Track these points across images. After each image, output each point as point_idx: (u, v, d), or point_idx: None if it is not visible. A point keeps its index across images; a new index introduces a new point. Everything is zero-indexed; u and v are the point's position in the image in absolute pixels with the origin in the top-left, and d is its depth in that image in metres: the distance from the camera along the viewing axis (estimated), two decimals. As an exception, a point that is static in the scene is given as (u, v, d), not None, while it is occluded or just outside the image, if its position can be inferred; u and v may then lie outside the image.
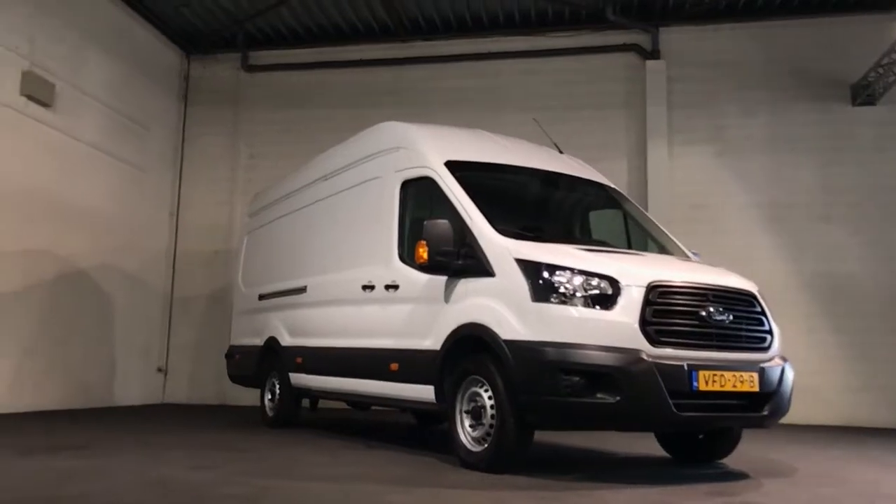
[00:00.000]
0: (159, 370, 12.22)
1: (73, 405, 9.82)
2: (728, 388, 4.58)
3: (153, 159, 12.07)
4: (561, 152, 6.89)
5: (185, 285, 12.62)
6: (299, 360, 7.36)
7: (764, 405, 4.79)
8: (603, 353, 4.39)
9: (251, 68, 12.96)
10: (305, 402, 8.19)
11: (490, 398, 4.83)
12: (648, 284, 4.58)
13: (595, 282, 4.58)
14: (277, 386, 7.88)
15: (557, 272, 4.62)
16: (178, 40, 12.69)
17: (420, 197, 5.87)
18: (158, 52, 12.32)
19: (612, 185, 6.78)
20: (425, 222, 5.17)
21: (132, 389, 11.39)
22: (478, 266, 5.02)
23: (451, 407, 5.14)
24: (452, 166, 5.64)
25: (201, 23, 12.28)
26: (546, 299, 4.57)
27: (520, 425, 4.69)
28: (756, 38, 11.56)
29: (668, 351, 4.50)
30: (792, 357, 5.29)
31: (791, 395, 5.04)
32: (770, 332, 5.01)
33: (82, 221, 10.19)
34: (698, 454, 5.76)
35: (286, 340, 7.65)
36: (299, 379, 7.42)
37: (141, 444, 6.21)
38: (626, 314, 4.49)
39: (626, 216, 6.51)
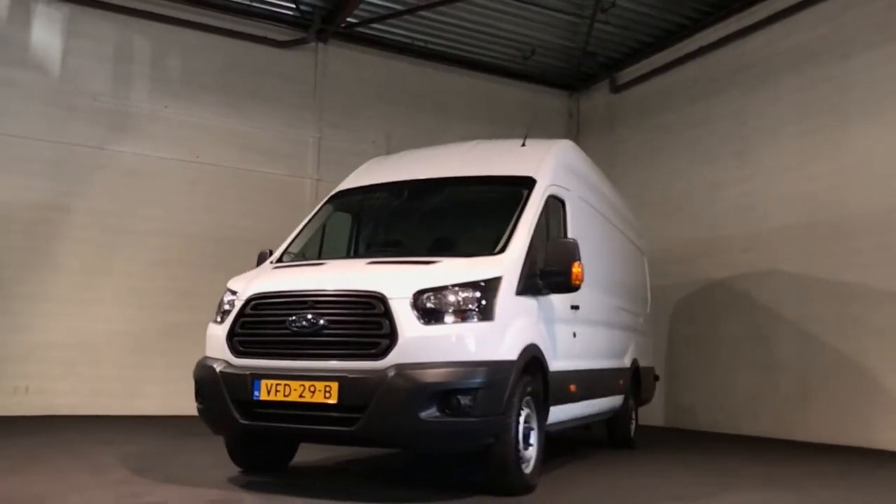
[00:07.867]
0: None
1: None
2: (294, 398, 4.43)
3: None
4: (523, 144, 6.21)
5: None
6: None
7: (356, 420, 4.32)
8: (199, 364, 4.95)
9: (617, 89, 13.16)
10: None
11: None
12: (248, 297, 4.81)
13: (231, 299, 4.97)
14: None
15: (227, 294, 5.08)
16: (559, 84, 13.85)
17: None
18: (539, 100, 13.68)
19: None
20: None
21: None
22: None
23: None
24: (337, 196, 6.29)
25: (560, 63, 13.16)
26: (214, 319, 5.11)
27: None
28: None
29: (244, 361, 4.70)
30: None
31: (409, 411, 4.20)
32: (390, 336, 4.34)
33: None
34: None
35: None
36: None
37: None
38: (223, 327, 4.86)
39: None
